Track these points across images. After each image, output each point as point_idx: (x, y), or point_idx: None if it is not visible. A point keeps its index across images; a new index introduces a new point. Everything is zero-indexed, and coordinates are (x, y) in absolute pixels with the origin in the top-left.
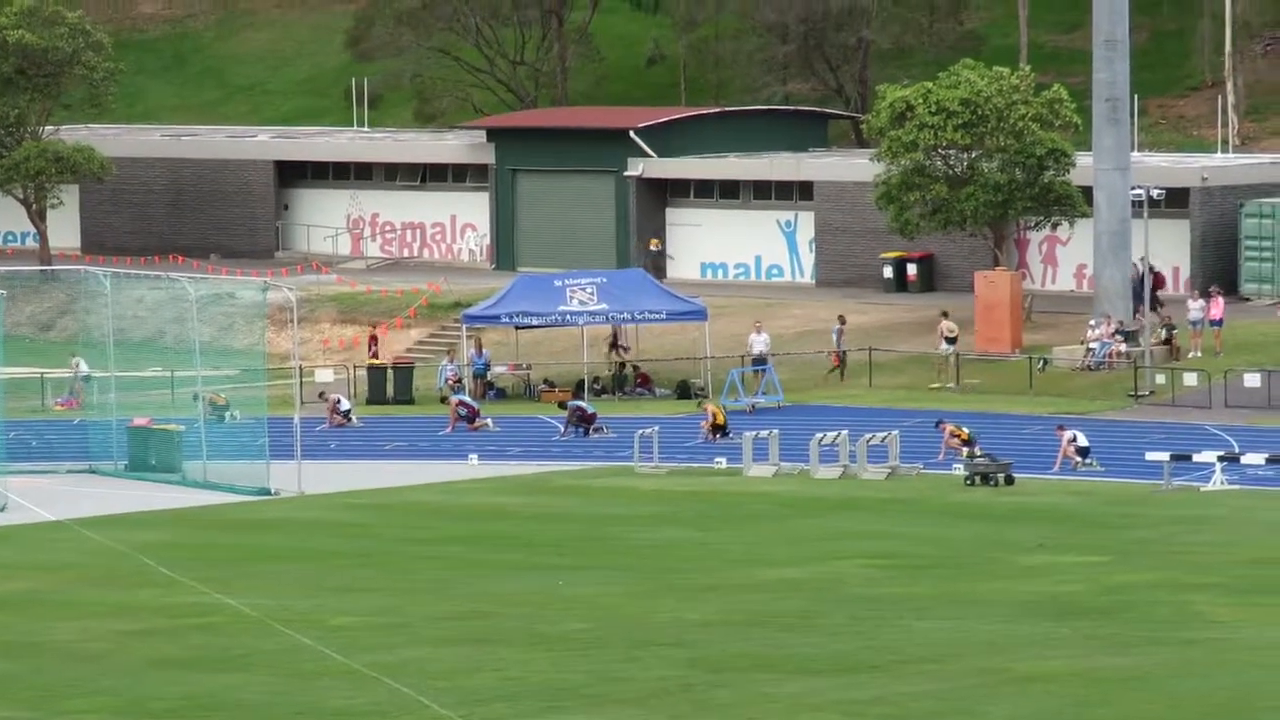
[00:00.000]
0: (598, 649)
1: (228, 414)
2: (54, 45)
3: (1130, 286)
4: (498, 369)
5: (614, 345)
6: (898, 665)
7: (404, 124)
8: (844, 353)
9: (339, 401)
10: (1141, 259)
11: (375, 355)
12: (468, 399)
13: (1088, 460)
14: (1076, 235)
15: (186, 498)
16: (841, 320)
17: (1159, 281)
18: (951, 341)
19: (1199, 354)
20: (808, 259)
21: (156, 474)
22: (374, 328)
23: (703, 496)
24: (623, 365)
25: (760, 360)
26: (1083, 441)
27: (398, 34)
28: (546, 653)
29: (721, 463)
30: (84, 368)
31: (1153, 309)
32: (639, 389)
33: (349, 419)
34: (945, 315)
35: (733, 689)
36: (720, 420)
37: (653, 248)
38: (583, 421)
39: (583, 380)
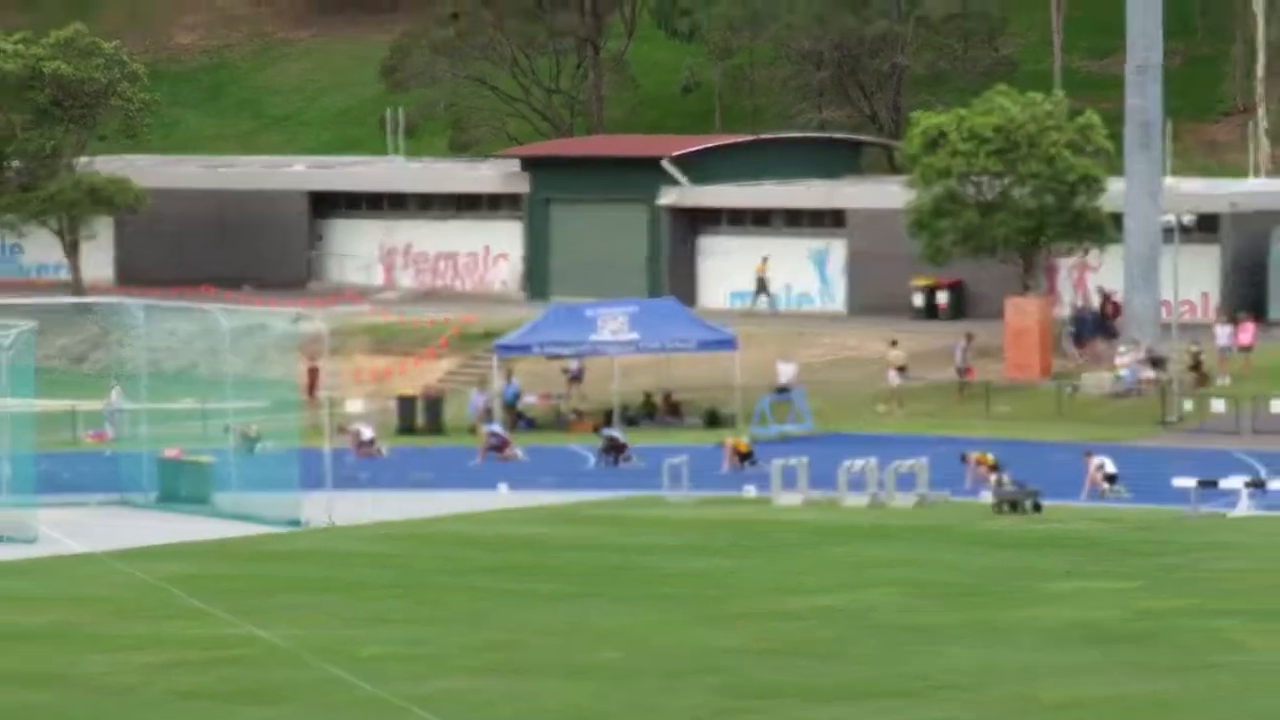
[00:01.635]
0: (631, 678)
1: (258, 446)
2: (90, 76)
3: (1094, 317)
4: (528, 399)
5: (574, 378)
6: (929, 692)
7: (439, 154)
8: (964, 370)
9: (359, 432)
10: (1099, 288)
11: (313, 392)
12: (499, 429)
13: (1116, 487)
14: (1107, 261)
15: (217, 529)
16: (969, 337)
17: (1116, 310)
18: (901, 371)
19: (1228, 380)
20: (839, 287)
21: (187, 505)
22: (312, 359)
23: (733, 525)
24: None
25: (784, 390)
26: (1111, 468)
27: (433, 63)
28: (580, 683)
29: (751, 491)
30: (119, 400)
31: (1111, 337)
32: (669, 418)
33: (374, 446)
34: (894, 344)
35: (766, 716)
36: (744, 449)
37: (760, 272)
38: (614, 450)
39: (612, 410)
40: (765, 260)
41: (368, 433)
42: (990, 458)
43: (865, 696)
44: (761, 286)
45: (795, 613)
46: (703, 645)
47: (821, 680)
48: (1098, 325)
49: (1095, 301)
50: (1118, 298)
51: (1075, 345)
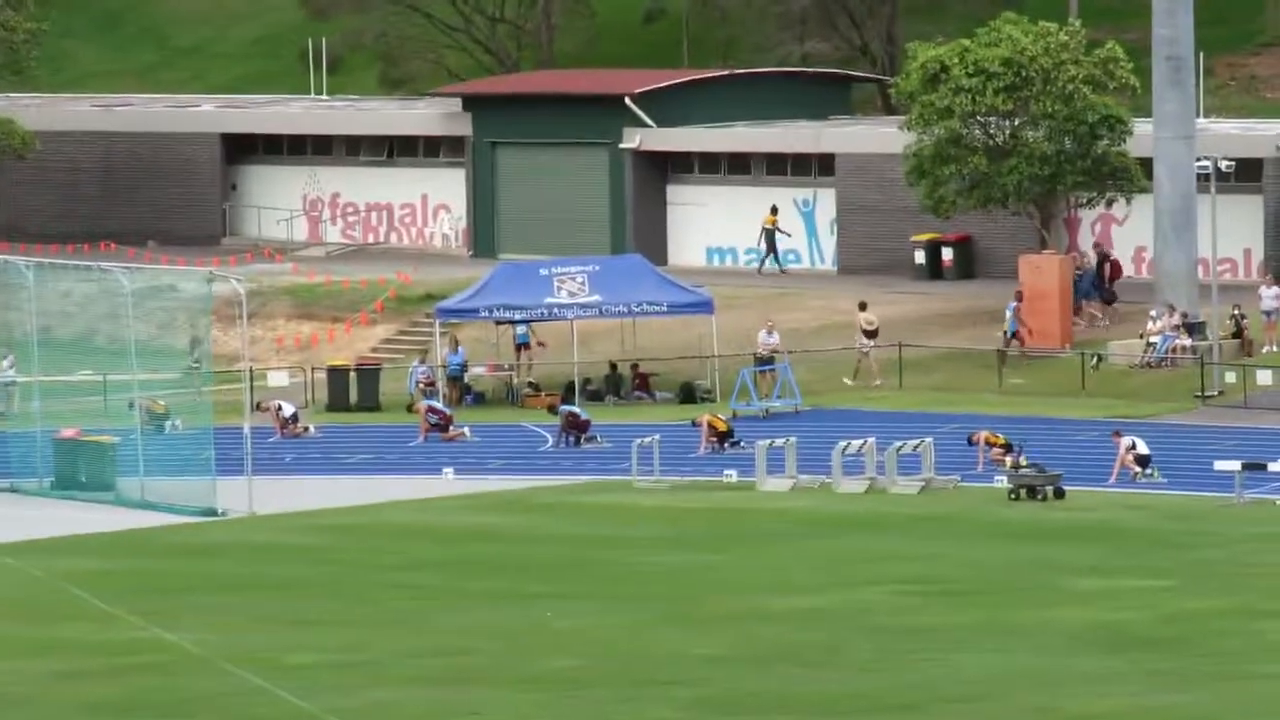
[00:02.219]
0: (590, 689)
1: (168, 424)
2: None
3: (1090, 278)
4: (476, 370)
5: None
6: (933, 705)
7: (368, 91)
8: (1013, 335)
9: (280, 407)
10: (1096, 245)
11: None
12: (439, 404)
13: (1148, 470)
14: (1135, 214)
15: (122, 519)
16: (1019, 296)
17: (1116, 271)
18: (872, 335)
19: (1275, 348)
20: (828, 243)
21: (87, 492)
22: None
23: (710, 514)
24: (615, 366)
25: (766, 360)
26: (1143, 449)
27: None
28: (532, 694)
29: (732, 475)
30: (10, 371)
31: (1109, 303)
32: (637, 393)
33: (297, 423)
34: (863, 307)
35: None
36: (722, 427)
37: (768, 224)
38: (575, 429)
39: (573, 383)
40: (775, 211)
41: (289, 408)
42: (1001, 437)
43: (859, 710)
44: (771, 243)
45: (780, 614)
46: (673, 651)
47: (809, 691)
48: (1094, 288)
49: (1092, 261)
50: (1116, 257)
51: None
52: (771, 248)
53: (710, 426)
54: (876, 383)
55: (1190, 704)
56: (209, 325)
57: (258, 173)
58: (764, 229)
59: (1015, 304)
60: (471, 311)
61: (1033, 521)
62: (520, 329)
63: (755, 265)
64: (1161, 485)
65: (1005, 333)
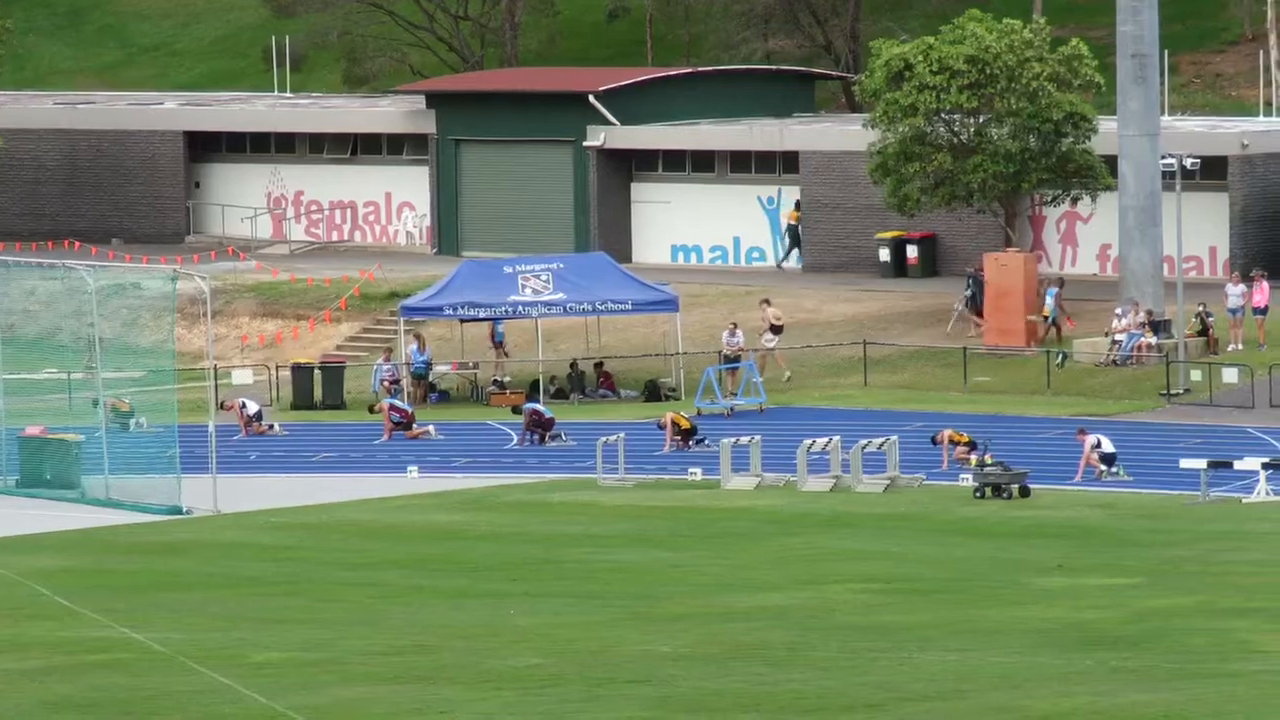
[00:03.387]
0: (554, 687)
1: (133, 421)
2: None
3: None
4: (440, 369)
5: (498, 344)
6: (897, 704)
7: (331, 89)
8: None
9: (245, 405)
10: (975, 268)
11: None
12: (400, 403)
13: (1113, 469)
14: (1100, 212)
15: (87, 517)
16: (1060, 283)
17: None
18: (777, 331)
19: (1240, 347)
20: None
21: (52, 490)
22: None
23: (675, 513)
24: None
25: (732, 360)
26: (1108, 447)
27: None
28: (496, 692)
29: (696, 474)
30: None
31: (981, 316)
32: (602, 391)
33: (261, 422)
34: (767, 302)
35: None
36: (686, 425)
37: (792, 220)
38: (539, 427)
39: (538, 381)
40: (799, 207)
41: (253, 406)
42: (965, 436)
43: (824, 709)
44: (795, 239)
45: (744, 613)
46: (636, 650)
47: (774, 690)
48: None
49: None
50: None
51: (972, 311)
52: (795, 243)
53: (674, 425)
54: (787, 375)
55: (1157, 702)
56: (173, 323)
57: (221, 171)
58: (788, 224)
59: (1056, 289)
60: (436, 309)
61: (998, 520)
62: (500, 326)
63: (778, 260)
64: (1127, 484)
65: (1046, 318)
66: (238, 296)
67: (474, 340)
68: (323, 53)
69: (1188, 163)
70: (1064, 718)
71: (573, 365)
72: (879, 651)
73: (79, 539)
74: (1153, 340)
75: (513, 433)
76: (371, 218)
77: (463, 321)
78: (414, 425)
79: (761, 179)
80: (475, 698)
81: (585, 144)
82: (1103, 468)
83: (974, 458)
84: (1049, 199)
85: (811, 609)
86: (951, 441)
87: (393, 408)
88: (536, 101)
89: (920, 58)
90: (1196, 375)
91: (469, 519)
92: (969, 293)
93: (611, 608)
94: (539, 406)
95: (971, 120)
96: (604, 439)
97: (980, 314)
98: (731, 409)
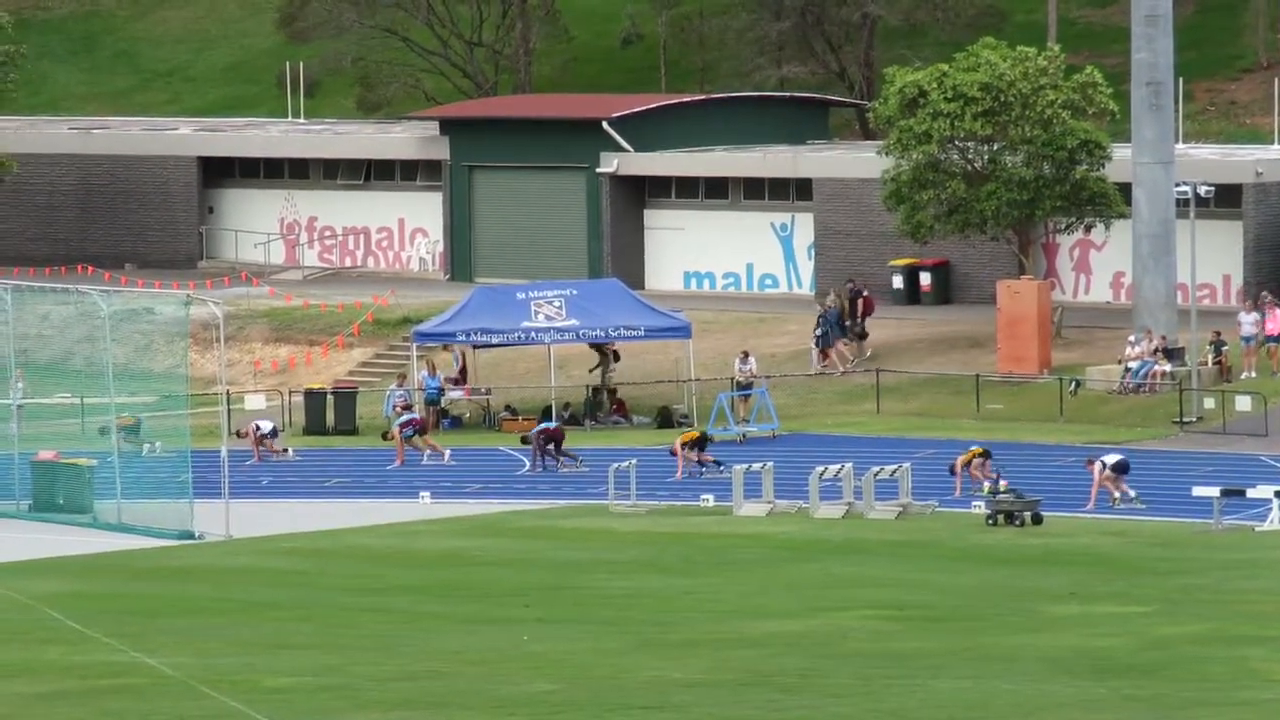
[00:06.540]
0: (567, 713)
1: (145, 447)
2: None
3: (834, 316)
4: (452, 394)
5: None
6: None
7: (345, 114)
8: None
9: (258, 426)
10: (849, 280)
11: None
12: (414, 415)
13: (1127, 489)
14: (1113, 239)
15: (99, 542)
16: (1218, 334)
17: (868, 306)
18: (746, 388)
19: (1254, 374)
20: (806, 267)
21: (64, 515)
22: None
23: (687, 539)
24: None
25: (745, 387)
26: (1114, 459)
27: (337, 11)
28: (509, 718)
29: (709, 500)
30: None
31: (861, 338)
32: (614, 417)
33: (275, 439)
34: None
35: None
36: (694, 435)
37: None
38: (549, 442)
39: (550, 407)
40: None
41: (266, 425)
42: (978, 448)
43: None
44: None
45: (757, 639)
46: (649, 676)
47: (786, 717)
48: (837, 327)
49: (840, 300)
50: (869, 294)
51: (818, 349)
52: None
53: (683, 443)
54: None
55: None
56: (187, 348)
57: (235, 196)
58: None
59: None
60: (449, 335)
61: (1011, 547)
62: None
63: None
64: (1140, 511)
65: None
66: (251, 322)
67: (486, 366)
68: (336, 78)
69: (1202, 190)
70: None
71: (589, 391)
72: (891, 679)
73: (91, 563)
74: (1166, 368)
75: (524, 458)
76: (385, 244)
77: (475, 348)
78: (428, 434)
79: (775, 205)
80: None
81: (599, 170)
82: (1117, 495)
83: (988, 466)
84: (1063, 226)
85: (824, 636)
86: (970, 460)
87: (407, 423)
88: (550, 128)
89: (934, 85)
90: (1210, 403)
91: (481, 544)
92: (819, 331)
93: (624, 634)
94: (546, 423)
95: (985, 147)
96: (616, 465)
97: (826, 355)
98: (744, 435)
